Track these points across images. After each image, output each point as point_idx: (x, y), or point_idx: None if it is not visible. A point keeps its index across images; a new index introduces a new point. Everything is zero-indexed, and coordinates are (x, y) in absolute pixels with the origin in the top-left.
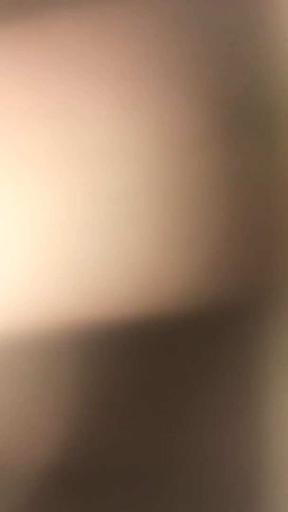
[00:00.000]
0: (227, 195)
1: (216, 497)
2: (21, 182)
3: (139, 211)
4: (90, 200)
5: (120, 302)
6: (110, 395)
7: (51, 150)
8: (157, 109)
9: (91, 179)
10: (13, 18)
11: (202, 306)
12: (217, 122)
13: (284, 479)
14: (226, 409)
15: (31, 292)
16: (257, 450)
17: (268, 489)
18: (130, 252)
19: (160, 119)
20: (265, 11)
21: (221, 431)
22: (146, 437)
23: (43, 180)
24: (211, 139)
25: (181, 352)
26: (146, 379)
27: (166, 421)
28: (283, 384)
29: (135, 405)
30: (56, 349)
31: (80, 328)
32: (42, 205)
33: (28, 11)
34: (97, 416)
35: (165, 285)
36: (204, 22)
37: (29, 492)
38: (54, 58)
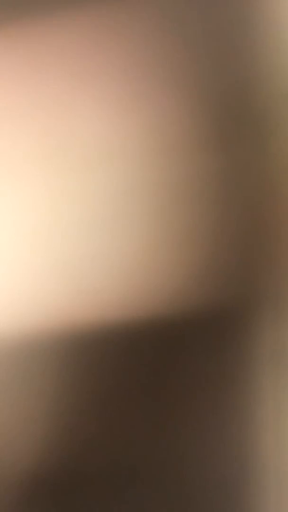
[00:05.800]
0: (223, 197)
1: (213, 498)
2: (18, 182)
3: (135, 213)
4: (86, 202)
5: (115, 304)
6: (107, 396)
7: (48, 150)
8: (153, 111)
9: (88, 180)
10: (11, 18)
11: (198, 308)
12: (212, 125)
13: (282, 477)
14: (223, 409)
15: (27, 294)
16: (255, 449)
17: (266, 488)
18: (125, 254)
19: (156, 120)
20: (262, 16)
21: (217, 434)
22: (142, 441)
23: (40, 181)
24: (206, 141)
25: (177, 353)
26: (142, 380)
27: (162, 423)
28: (279, 385)
29: (131, 406)
30: (52, 350)
31: (75, 330)
32: (39, 206)
33: (26, 11)
34: (93, 418)
35: (161, 287)
36: (201, 27)
37: (15, 497)
38: (52, 58)
